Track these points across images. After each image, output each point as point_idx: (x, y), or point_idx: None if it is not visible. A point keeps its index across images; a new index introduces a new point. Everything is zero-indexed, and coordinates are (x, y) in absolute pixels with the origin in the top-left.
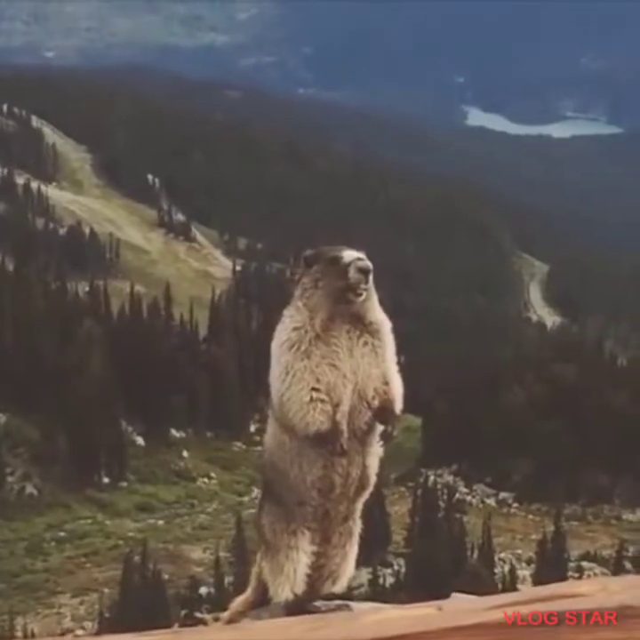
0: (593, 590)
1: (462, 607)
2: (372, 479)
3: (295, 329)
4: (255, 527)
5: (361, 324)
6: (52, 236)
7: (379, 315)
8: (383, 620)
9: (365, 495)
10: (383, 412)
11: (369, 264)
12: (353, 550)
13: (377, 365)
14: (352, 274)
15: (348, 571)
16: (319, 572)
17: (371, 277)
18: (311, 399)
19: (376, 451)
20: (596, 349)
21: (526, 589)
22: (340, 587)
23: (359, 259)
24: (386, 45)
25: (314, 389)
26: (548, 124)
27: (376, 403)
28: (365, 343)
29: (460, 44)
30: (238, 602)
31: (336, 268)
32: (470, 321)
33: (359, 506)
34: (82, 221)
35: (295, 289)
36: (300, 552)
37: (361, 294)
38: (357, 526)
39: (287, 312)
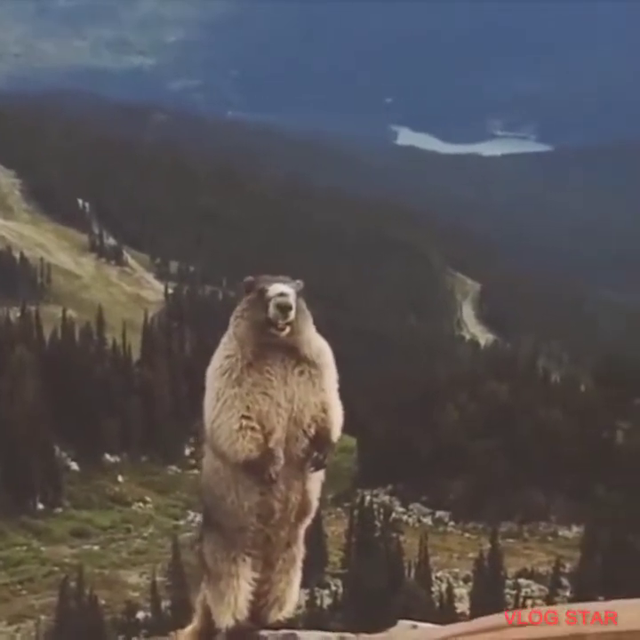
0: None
1: (408, 638)
2: (314, 504)
3: (227, 357)
4: (197, 555)
5: (296, 354)
6: None
7: (316, 345)
8: None
9: (307, 520)
10: (318, 440)
11: (289, 301)
12: (297, 576)
13: (314, 394)
14: (271, 309)
15: (293, 596)
16: (264, 599)
17: (291, 314)
18: (240, 427)
19: (317, 476)
20: (529, 367)
21: (475, 620)
22: (286, 612)
23: (281, 294)
24: (313, 67)
25: (244, 417)
26: (478, 143)
27: (312, 430)
28: (302, 372)
29: (388, 65)
30: (186, 632)
31: (260, 301)
32: (404, 340)
33: (301, 531)
34: (12, 246)
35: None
36: (242, 579)
37: (282, 329)
38: (301, 552)
39: (223, 339)
